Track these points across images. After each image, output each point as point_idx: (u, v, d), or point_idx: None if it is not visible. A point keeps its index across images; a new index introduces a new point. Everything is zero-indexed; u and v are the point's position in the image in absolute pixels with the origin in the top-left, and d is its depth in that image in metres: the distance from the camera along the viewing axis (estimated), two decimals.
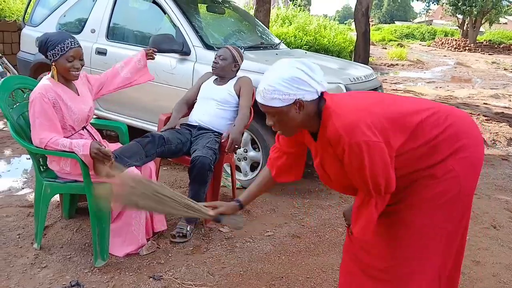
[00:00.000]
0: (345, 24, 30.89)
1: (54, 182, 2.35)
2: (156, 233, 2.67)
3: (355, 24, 6.76)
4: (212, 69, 3.06)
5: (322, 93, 1.49)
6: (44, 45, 2.23)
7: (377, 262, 1.57)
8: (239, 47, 3.58)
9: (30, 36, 4.84)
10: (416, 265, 1.51)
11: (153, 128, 3.91)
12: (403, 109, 1.48)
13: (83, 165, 2.20)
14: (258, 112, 3.17)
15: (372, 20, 52.61)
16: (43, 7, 4.92)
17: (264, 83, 1.46)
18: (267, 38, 4.51)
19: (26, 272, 2.26)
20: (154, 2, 4.02)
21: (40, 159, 2.45)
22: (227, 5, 4.75)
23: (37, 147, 2.25)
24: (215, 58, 3.06)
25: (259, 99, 1.49)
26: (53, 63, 2.27)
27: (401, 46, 24.23)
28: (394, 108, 1.48)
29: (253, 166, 3.54)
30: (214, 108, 2.99)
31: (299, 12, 16.98)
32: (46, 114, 2.22)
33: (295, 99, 1.43)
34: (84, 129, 2.46)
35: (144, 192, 1.68)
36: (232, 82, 3.08)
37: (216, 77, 3.14)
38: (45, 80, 2.30)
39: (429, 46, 31.93)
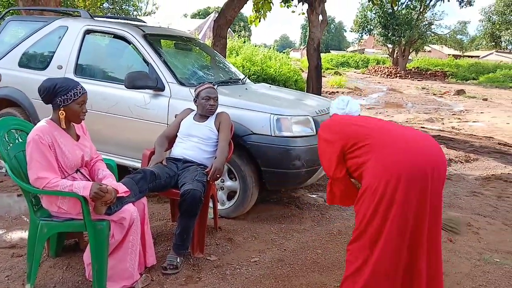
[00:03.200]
0: (284, 53, 32.13)
1: (51, 221, 2.38)
2: (147, 267, 2.74)
3: (307, 58, 7.23)
4: (209, 111, 3.21)
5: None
6: (53, 91, 2.30)
7: None
8: (211, 82, 3.79)
9: None
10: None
11: (129, 163, 3.98)
12: (358, 129, 2.22)
13: (85, 204, 2.26)
14: (236, 144, 3.38)
15: None
16: (3, 43, 4.84)
17: None
18: (233, 73, 4.75)
19: None
20: (124, 40, 4.15)
21: (33, 199, 2.47)
22: (193, 42, 4.96)
23: (34, 186, 2.28)
24: (206, 98, 3.19)
25: None
26: (62, 108, 2.34)
27: (339, 74, 25.58)
28: (354, 127, 2.25)
29: (230, 196, 3.70)
30: (197, 144, 3.15)
31: (243, 42, 17.57)
32: (43, 154, 2.28)
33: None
34: (78, 172, 2.51)
35: None
36: (212, 118, 3.26)
37: (195, 113, 3.31)
38: (43, 122, 2.36)
39: (363, 73, 34.00)
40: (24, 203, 3.77)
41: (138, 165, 3.90)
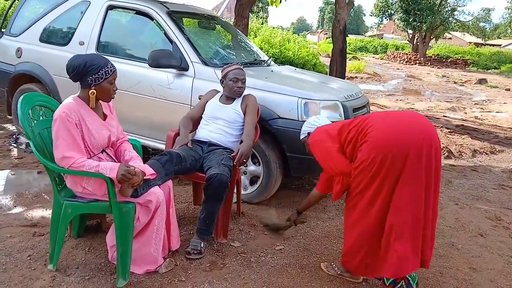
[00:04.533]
0: (301, 35, 31.59)
1: (76, 202, 2.31)
2: (170, 251, 2.67)
3: (332, 41, 7.01)
4: (237, 93, 3.09)
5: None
6: (83, 69, 2.19)
7: None
8: (237, 63, 3.66)
9: (9, 46, 4.68)
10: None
11: (150, 143, 3.90)
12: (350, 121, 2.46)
13: (111, 186, 2.19)
14: (261, 128, 3.26)
15: (327, 33, 54.09)
16: (23, 17, 4.76)
17: None
18: (257, 55, 4.61)
19: None
20: (148, 17, 4.03)
21: (57, 178, 2.40)
22: (216, 20, 4.81)
23: (59, 166, 2.21)
24: (234, 80, 3.06)
25: None
26: (93, 87, 2.24)
27: (357, 59, 25.13)
28: (346, 122, 2.48)
29: (252, 181, 3.61)
30: (222, 127, 3.04)
31: (261, 24, 17.30)
32: (70, 133, 2.19)
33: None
34: (104, 152, 2.42)
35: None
36: (238, 101, 3.14)
37: (221, 95, 3.20)
38: (70, 99, 2.27)
39: (382, 59, 33.35)
40: (44, 181, 3.74)
41: (159, 145, 3.83)
